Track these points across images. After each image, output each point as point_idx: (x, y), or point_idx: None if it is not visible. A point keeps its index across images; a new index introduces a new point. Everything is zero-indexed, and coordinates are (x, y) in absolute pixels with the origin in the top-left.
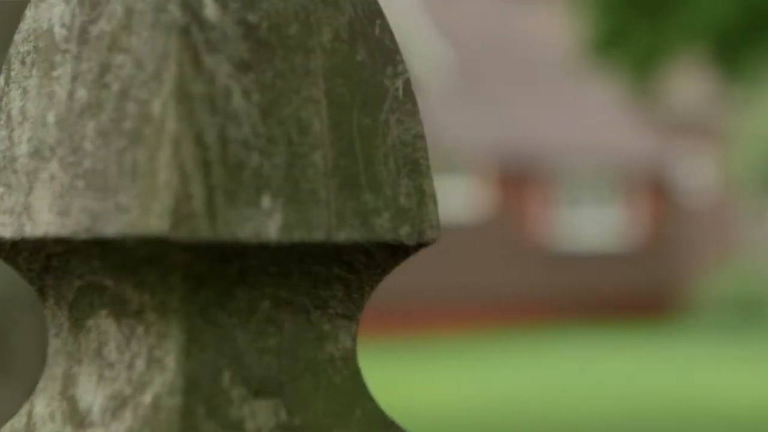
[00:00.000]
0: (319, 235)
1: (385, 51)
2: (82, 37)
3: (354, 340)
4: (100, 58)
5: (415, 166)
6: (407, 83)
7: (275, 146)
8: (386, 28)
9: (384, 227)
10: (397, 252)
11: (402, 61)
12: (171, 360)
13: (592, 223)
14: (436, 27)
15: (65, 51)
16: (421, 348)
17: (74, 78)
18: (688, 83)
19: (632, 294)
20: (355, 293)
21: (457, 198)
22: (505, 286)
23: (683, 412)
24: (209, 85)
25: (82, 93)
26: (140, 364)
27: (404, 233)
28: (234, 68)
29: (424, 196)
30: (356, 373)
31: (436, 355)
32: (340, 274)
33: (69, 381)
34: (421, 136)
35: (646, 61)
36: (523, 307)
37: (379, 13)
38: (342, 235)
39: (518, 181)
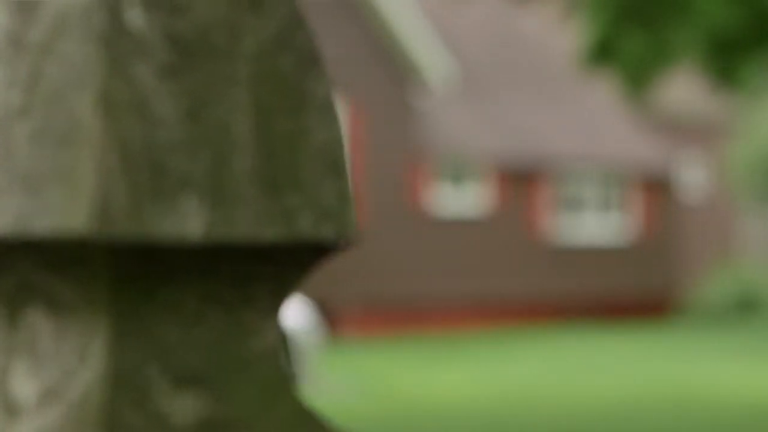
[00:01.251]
0: (242, 235)
1: (308, 58)
2: (16, 43)
3: (278, 335)
4: (32, 65)
5: (335, 168)
6: (329, 89)
7: (199, 149)
8: (310, 37)
9: (306, 227)
10: (318, 251)
11: (324, 68)
12: (100, 354)
13: (593, 223)
14: (438, 31)
15: None
16: (424, 345)
17: (7, 83)
18: (686, 84)
19: (632, 292)
20: (278, 290)
21: (461, 199)
22: (509, 284)
23: (681, 404)
24: (134, 91)
25: (14, 98)
26: (71, 357)
27: (325, 232)
28: (159, 74)
29: (345, 197)
30: (280, 367)
31: (439, 351)
32: (264, 272)
33: (4, 374)
34: (341, 140)
35: (640, 69)
36: (527, 306)
37: (302, 22)
38: (265, 235)
39: (521, 182)
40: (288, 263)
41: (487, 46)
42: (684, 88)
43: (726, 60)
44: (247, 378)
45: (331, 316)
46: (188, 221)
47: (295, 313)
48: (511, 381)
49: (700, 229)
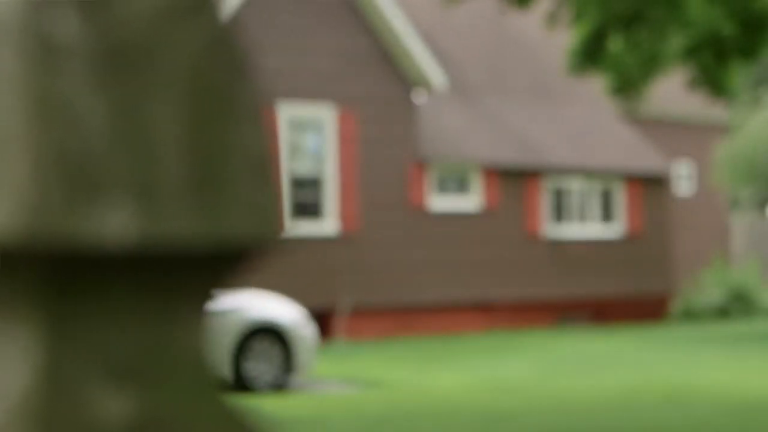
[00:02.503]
0: (171, 238)
1: (237, 67)
2: None
3: (207, 334)
4: None
5: (263, 173)
6: (257, 97)
7: (129, 156)
8: (242, 45)
9: (235, 230)
10: (248, 253)
11: (253, 77)
12: (34, 353)
13: (588, 221)
14: (432, 33)
15: None
16: (422, 345)
17: None
18: (678, 80)
19: (628, 290)
20: (208, 291)
21: (457, 200)
22: (507, 284)
23: (677, 401)
24: (64, 99)
25: None
26: (5, 357)
27: (254, 235)
28: (90, 83)
29: (272, 201)
30: (209, 367)
31: (437, 351)
32: (193, 274)
33: None
34: (268, 146)
35: (628, 75)
36: (524, 305)
37: (232, 32)
38: (193, 237)
39: (517, 181)
40: (216, 265)
41: (484, 47)
42: (676, 85)
43: (713, 65)
44: (177, 376)
45: (326, 316)
46: (118, 225)
47: (288, 309)
48: (509, 380)
49: (694, 226)
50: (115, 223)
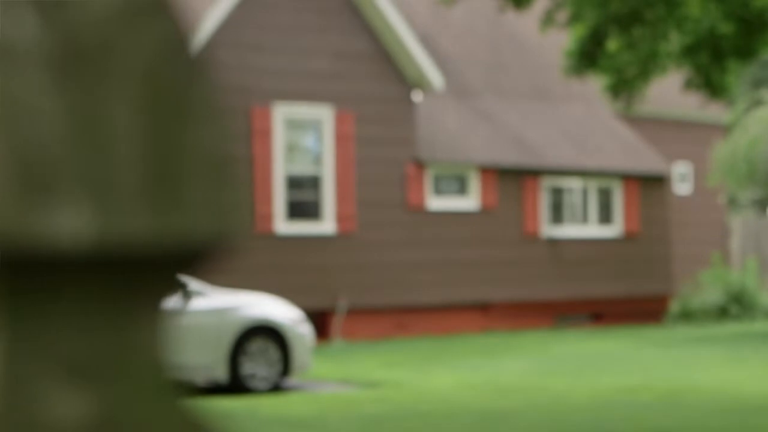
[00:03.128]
0: (128, 237)
1: (195, 67)
2: None
3: (163, 334)
4: None
5: (222, 172)
6: (217, 97)
7: (85, 155)
8: (197, 46)
9: (192, 230)
10: (206, 253)
11: (211, 77)
12: None
13: (587, 221)
14: (430, 33)
15: None
16: (419, 346)
17: None
18: (675, 81)
19: (627, 290)
20: (166, 291)
21: (454, 201)
22: (505, 282)
23: (676, 400)
24: (19, 99)
25: None
26: None
27: (212, 235)
28: (46, 83)
29: (231, 203)
30: (166, 368)
31: (435, 352)
32: (151, 273)
33: None
34: (228, 147)
35: (625, 76)
36: (522, 306)
37: (190, 31)
38: (151, 237)
39: (515, 180)
40: (173, 265)
41: (481, 47)
42: (675, 84)
43: (710, 66)
44: (133, 378)
45: (323, 316)
46: (74, 225)
47: (285, 308)
48: (507, 381)
49: (692, 226)
50: (71, 224)
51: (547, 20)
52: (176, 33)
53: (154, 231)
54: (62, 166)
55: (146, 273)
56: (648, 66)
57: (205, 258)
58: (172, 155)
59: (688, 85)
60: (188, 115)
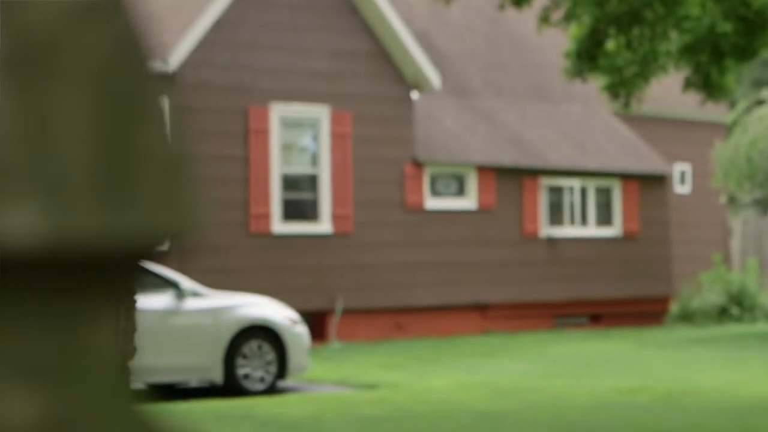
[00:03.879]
0: (80, 237)
1: (147, 68)
2: None
3: (117, 336)
4: None
5: (176, 171)
6: (169, 98)
7: (36, 155)
8: (150, 46)
9: (144, 230)
10: (157, 255)
11: (162, 77)
12: None
13: (586, 221)
14: (427, 32)
15: None
16: (417, 346)
17: None
18: (675, 80)
19: (627, 290)
20: (119, 291)
21: (454, 199)
22: (504, 283)
23: (676, 401)
24: None
25: None
26: None
27: (165, 234)
28: None
29: (184, 203)
30: (120, 368)
31: (432, 353)
32: (103, 273)
33: None
34: (180, 148)
35: (624, 76)
36: (520, 306)
37: (144, 31)
38: (103, 237)
39: (513, 180)
40: (126, 265)
41: (480, 46)
42: (674, 83)
43: (710, 65)
44: (86, 379)
45: (320, 317)
46: (25, 225)
47: (281, 309)
48: (506, 382)
49: (692, 226)
50: (21, 224)
51: (544, 19)
52: (129, 32)
53: (107, 230)
54: (12, 165)
55: (99, 273)
56: (647, 66)
57: (159, 257)
58: (124, 154)
59: (688, 85)
60: (141, 114)
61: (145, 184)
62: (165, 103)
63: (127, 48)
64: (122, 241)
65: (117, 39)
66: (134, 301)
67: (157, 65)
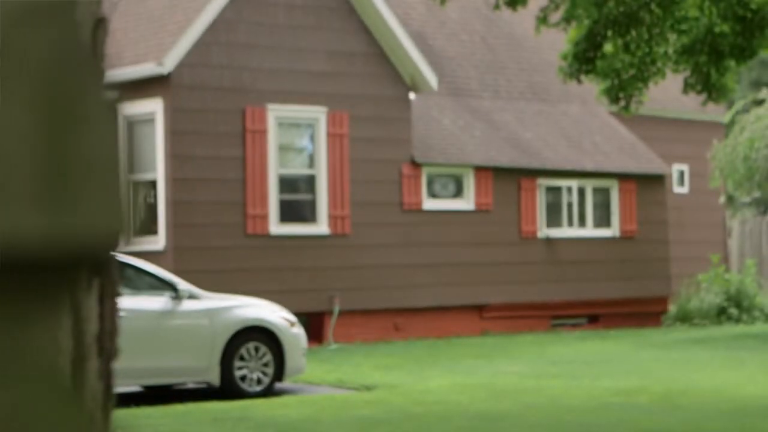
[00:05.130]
0: (19, 240)
1: (92, 71)
2: None
3: (62, 340)
4: None
5: (113, 177)
6: (112, 100)
7: None
8: (94, 50)
9: (84, 233)
10: (98, 255)
11: (108, 81)
12: None
13: (582, 219)
14: (424, 32)
15: None
16: (415, 347)
17: None
18: (673, 79)
19: (625, 290)
20: (59, 294)
21: (452, 200)
22: (502, 284)
23: (674, 402)
24: None
25: None
26: None
27: (101, 240)
28: None
29: (121, 206)
30: (62, 371)
31: (430, 353)
32: (43, 276)
33: None
34: (121, 150)
35: (622, 79)
36: (519, 307)
37: (89, 34)
38: (42, 240)
39: (511, 180)
40: (66, 267)
41: (477, 46)
42: (673, 83)
43: (709, 66)
44: (27, 381)
45: (317, 318)
46: None
47: (277, 310)
48: (504, 383)
49: (690, 226)
50: None
51: (542, 20)
52: (74, 37)
53: (47, 233)
54: None
55: (39, 275)
56: (645, 68)
57: (99, 259)
58: (65, 158)
59: (687, 86)
60: (83, 118)
61: (84, 187)
62: (109, 107)
63: (71, 52)
64: (62, 244)
65: (61, 43)
66: (115, 302)
67: (105, 69)
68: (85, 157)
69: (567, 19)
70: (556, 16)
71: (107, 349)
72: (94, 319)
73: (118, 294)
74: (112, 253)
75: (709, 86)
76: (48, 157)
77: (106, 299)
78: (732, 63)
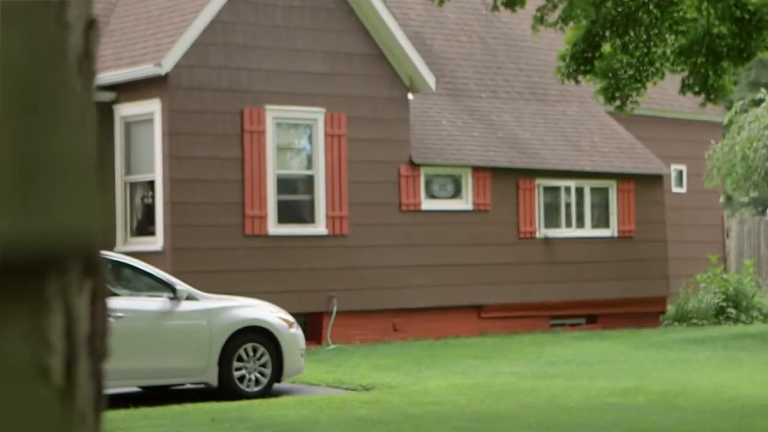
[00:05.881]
0: None
1: (67, 71)
2: None
3: (35, 341)
4: None
5: (90, 178)
6: (89, 99)
7: None
8: (86, 51)
9: (56, 233)
10: (73, 257)
11: (80, 81)
12: None
13: (581, 219)
14: (423, 33)
15: None
16: (413, 348)
17: None
18: (671, 79)
19: (624, 291)
20: (32, 294)
21: (450, 200)
22: (500, 284)
23: (673, 402)
24: None
25: None
26: None
27: (79, 239)
28: None
29: (94, 206)
30: (40, 373)
31: (428, 354)
32: (18, 277)
33: None
34: (94, 150)
35: (620, 80)
36: (518, 307)
37: (59, 36)
38: (16, 241)
39: (509, 181)
40: (41, 269)
41: (475, 46)
42: (671, 83)
43: (706, 67)
44: (4, 383)
45: (315, 319)
46: None
47: (276, 310)
48: (502, 383)
49: (689, 226)
50: None
51: (539, 20)
52: (49, 37)
53: (19, 234)
54: None
55: (14, 277)
56: (643, 69)
57: (72, 260)
58: (39, 158)
59: (684, 88)
60: (57, 119)
61: (58, 188)
62: (86, 106)
63: (46, 52)
64: (34, 245)
65: (35, 43)
66: (106, 303)
67: (96, 70)
68: (59, 156)
69: (564, 19)
70: (553, 16)
71: (98, 350)
72: (86, 319)
73: (109, 295)
74: (100, 253)
75: (707, 87)
76: (20, 158)
77: (97, 300)
78: (730, 64)
